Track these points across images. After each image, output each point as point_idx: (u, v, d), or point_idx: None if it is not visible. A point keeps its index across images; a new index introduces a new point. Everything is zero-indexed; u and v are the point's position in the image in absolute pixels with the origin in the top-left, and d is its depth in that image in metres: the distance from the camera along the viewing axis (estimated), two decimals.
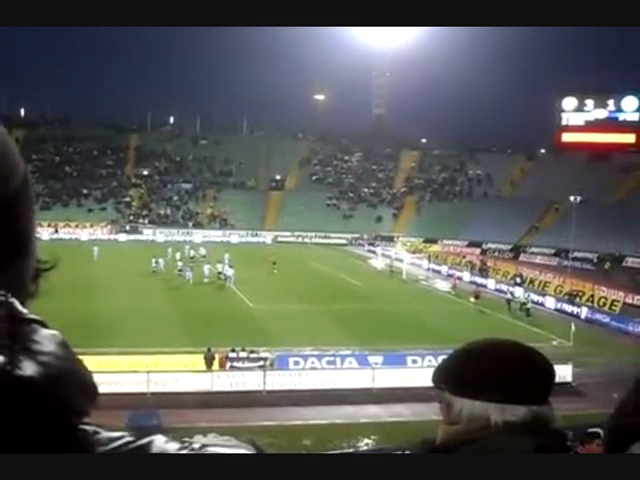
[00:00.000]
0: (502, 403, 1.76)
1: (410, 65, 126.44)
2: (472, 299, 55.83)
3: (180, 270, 63.75)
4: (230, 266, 61.35)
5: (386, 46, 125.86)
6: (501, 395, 1.77)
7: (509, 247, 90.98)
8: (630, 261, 78.72)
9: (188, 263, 65.21)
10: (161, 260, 66.36)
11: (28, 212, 1.35)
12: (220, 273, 61.60)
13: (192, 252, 72.08)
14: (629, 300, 56.30)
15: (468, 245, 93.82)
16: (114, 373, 32.93)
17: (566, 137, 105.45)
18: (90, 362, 34.17)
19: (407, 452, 1.74)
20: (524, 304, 53.61)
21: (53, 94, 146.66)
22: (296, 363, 36.61)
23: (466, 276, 69.29)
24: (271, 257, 71.15)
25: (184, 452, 1.22)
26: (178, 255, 68.29)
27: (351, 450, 26.91)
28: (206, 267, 62.42)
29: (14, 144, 1.27)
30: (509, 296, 55.82)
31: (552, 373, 1.86)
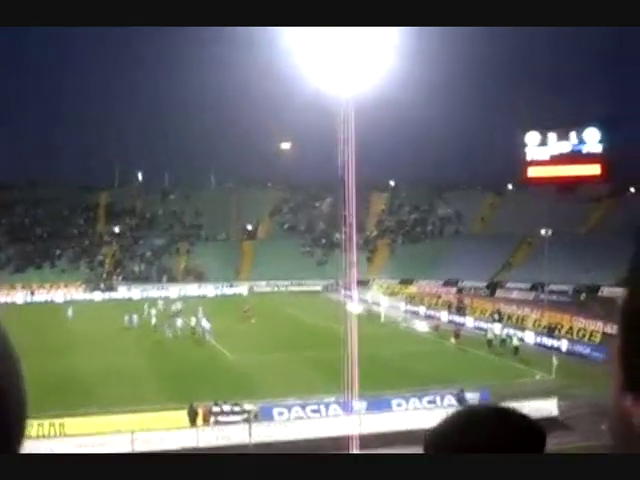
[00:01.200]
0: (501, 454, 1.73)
1: (374, 110, 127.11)
2: (452, 339, 55.79)
3: (155, 326, 63.39)
4: (207, 319, 60.98)
5: (351, 91, 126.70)
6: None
7: (485, 284, 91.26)
8: (606, 291, 79.08)
9: (169, 318, 64.49)
10: (135, 316, 65.93)
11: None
12: (194, 328, 61.39)
13: (173, 307, 71.50)
14: (608, 330, 56.40)
15: (444, 284, 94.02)
16: (97, 435, 32.56)
17: (532, 171, 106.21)
18: (72, 424, 33.91)
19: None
20: (504, 341, 53.61)
21: (19, 157, 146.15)
22: (280, 414, 36.37)
23: (444, 315, 69.35)
24: (245, 306, 71.27)
25: None
26: (154, 311, 67.76)
27: None
28: (180, 321, 62.23)
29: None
30: (490, 335, 55.64)
31: (543, 437, 1.82)
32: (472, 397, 37.88)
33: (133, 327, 64.65)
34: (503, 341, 53.84)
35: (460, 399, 36.84)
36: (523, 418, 1.79)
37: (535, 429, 1.78)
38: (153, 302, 74.94)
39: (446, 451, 1.75)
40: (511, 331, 55.69)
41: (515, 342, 52.24)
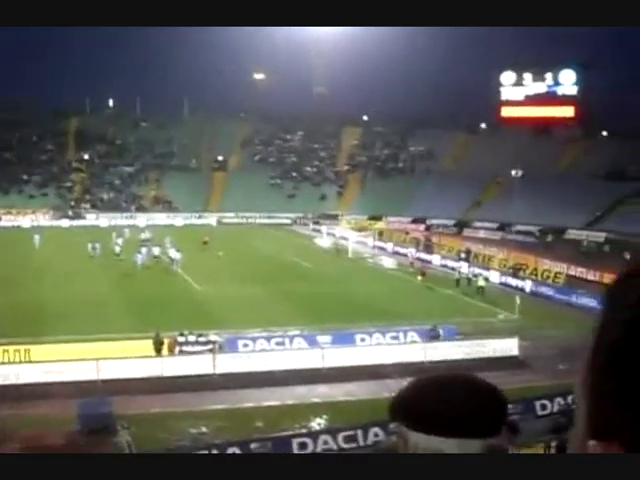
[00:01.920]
0: (457, 437, 1.79)
1: (350, 43, 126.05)
2: (419, 277, 56.08)
3: (118, 254, 63.21)
4: (177, 250, 60.85)
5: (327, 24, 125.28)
6: (456, 430, 1.78)
7: (453, 222, 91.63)
8: (572, 233, 79.75)
9: (138, 247, 64.10)
10: (97, 245, 65.71)
11: None
12: (156, 257, 61.48)
13: (142, 235, 71.22)
14: (572, 272, 57.06)
15: (412, 221, 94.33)
16: (62, 362, 32.66)
17: (506, 111, 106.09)
18: (38, 351, 33.98)
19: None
20: (469, 280, 54.02)
21: None
22: (245, 345, 36.58)
23: (411, 253, 69.68)
24: (205, 237, 71.69)
25: None
26: (120, 240, 67.52)
27: (304, 430, 27.04)
28: (148, 250, 62.22)
29: None
30: (457, 274, 55.91)
31: (505, 404, 1.88)
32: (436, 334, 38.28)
33: (96, 256, 64.46)
34: (469, 280, 54.22)
35: (434, 336, 37.20)
36: (487, 385, 1.86)
37: (499, 396, 1.86)
38: (120, 231, 74.74)
39: (412, 417, 1.82)
40: (477, 271, 56.03)
41: (480, 282, 52.56)
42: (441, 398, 1.79)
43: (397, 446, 1.83)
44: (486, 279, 54.31)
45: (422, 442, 1.79)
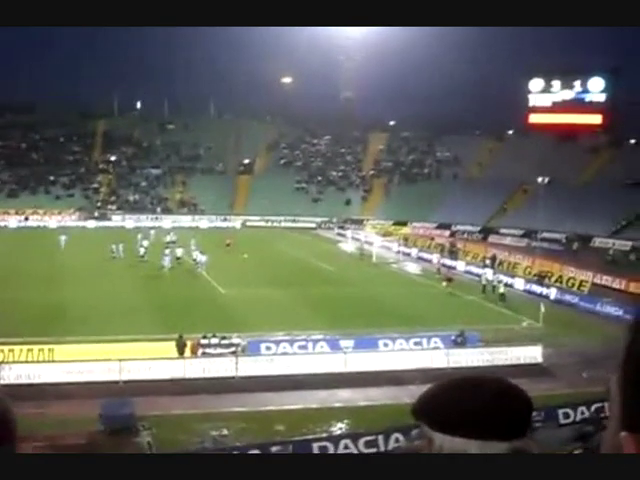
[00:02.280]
0: (482, 439, 1.77)
1: (378, 47, 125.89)
2: (444, 283, 55.85)
3: (142, 256, 63.48)
4: (201, 252, 60.87)
5: (354, 28, 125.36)
6: (481, 431, 1.76)
7: (478, 229, 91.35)
8: (598, 241, 79.30)
9: (163, 249, 64.17)
10: (120, 246, 65.95)
11: None
12: (180, 259, 61.70)
13: (168, 237, 71.17)
14: (597, 280, 56.69)
15: (437, 227, 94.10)
16: (86, 362, 32.79)
17: (533, 118, 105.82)
18: (61, 351, 34.13)
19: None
20: (494, 287, 53.75)
21: (18, 80, 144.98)
22: (268, 348, 36.58)
23: (436, 258, 69.48)
24: (227, 239, 72.24)
25: None
26: (145, 242, 67.80)
27: (325, 435, 26.99)
28: (173, 252, 62.48)
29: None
30: (484, 281, 55.54)
31: (531, 407, 1.86)
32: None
33: (119, 257, 64.77)
34: (493, 288, 53.93)
35: (460, 342, 37.03)
36: (512, 387, 1.84)
37: (524, 398, 1.84)
38: (146, 232, 74.95)
39: (437, 418, 1.80)
40: (500, 277, 55.65)
41: (501, 289, 52.30)
42: (466, 400, 1.78)
43: (421, 447, 1.82)
44: (507, 285, 54.05)
45: (447, 443, 1.77)
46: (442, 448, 1.78)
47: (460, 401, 1.77)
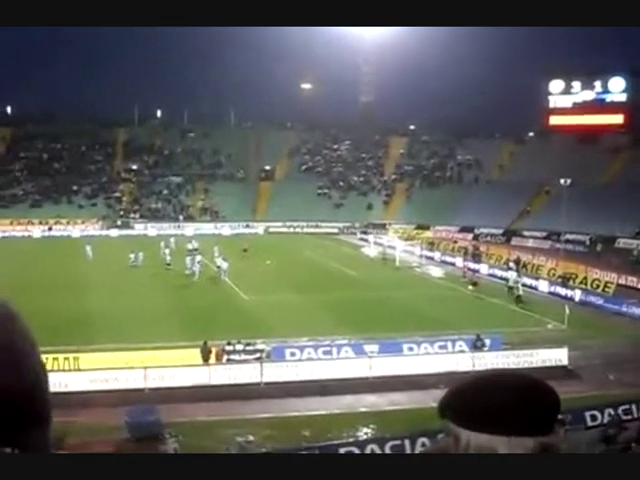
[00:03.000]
0: (509, 435, 1.75)
1: (397, 51, 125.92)
2: (470, 287, 55.66)
3: (169, 264, 63.81)
4: (224, 259, 60.95)
5: (372, 32, 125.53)
6: (508, 427, 1.74)
7: (501, 231, 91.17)
8: (622, 242, 78.93)
9: (185, 256, 64.28)
10: (140, 254, 66.21)
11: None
12: (202, 266, 61.88)
13: (190, 245, 71.02)
14: (622, 281, 56.36)
15: (460, 230, 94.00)
16: (110, 370, 32.90)
17: (554, 120, 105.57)
18: (86, 359, 34.26)
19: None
20: (510, 289, 53.58)
21: (39, 91, 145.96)
22: (292, 354, 36.57)
23: (459, 262, 69.38)
24: (245, 245, 73.15)
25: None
26: (167, 250, 68.02)
27: (351, 440, 26.93)
28: (196, 259, 62.68)
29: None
30: (511, 283, 55.23)
31: (558, 403, 1.85)
32: (484, 343, 38.01)
33: (138, 265, 65.08)
34: (510, 289, 53.76)
35: (479, 345, 36.93)
36: (539, 383, 1.83)
37: (551, 394, 1.82)
38: (167, 240, 75.12)
39: (464, 415, 1.79)
40: (517, 279, 55.30)
41: (520, 291, 52.16)
42: (492, 395, 1.76)
43: (447, 445, 1.80)
44: (531, 287, 53.97)
45: (473, 440, 1.76)
46: (468, 445, 1.77)
47: (486, 397, 1.76)
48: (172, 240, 75.64)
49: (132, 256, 65.71)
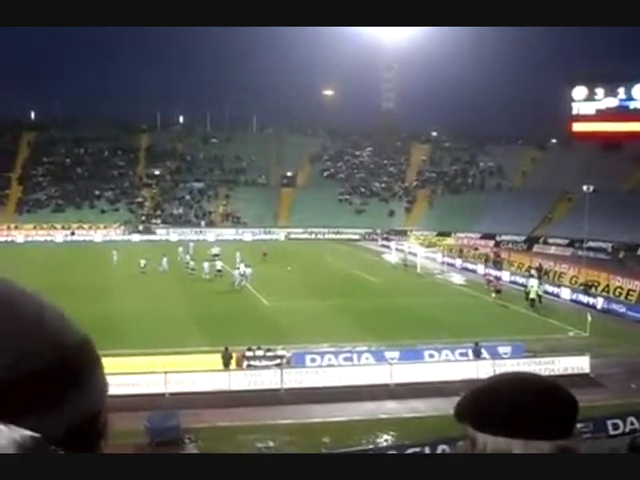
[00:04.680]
0: (526, 439, 1.75)
1: (418, 57, 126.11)
2: (493, 295, 55.52)
3: (192, 269, 63.95)
4: (247, 265, 60.80)
5: (393, 39, 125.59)
6: (525, 431, 1.74)
7: (523, 238, 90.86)
8: None
9: (208, 261, 64.47)
10: (165, 259, 66.38)
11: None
12: (221, 272, 62.08)
13: (212, 250, 70.78)
14: None
15: (481, 237, 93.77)
16: (131, 374, 32.99)
17: (577, 127, 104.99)
18: (107, 364, 34.11)
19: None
20: (527, 293, 53.59)
21: (62, 96, 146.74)
22: (313, 360, 36.58)
23: (480, 269, 69.20)
24: (264, 249, 74.04)
25: None
26: (188, 256, 68.20)
27: (371, 446, 26.88)
28: (218, 265, 63.01)
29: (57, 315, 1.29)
30: (530, 290, 55.07)
31: (576, 406, 1.84)
32: (504, 351, 37.93)
33: (165, 271, 65.19)
34: (528, 294, 53.73)
35: (477, 354, 36.94)
36: (556, 386, 1.83)
37: (568, 397, 1.82)
38: (186, 245, 75.20)
39: (481, 418, 1.79)
40: (531, 282, 55.32)
41: (532, 294, 52.41)
42: (509, 398, 1.77)
43: (465, 449, 1.80)
44: (553, 295, 53.98)
45: (490, 443, 1.76)
46: (485, 448, 1.77)
47: (503, 399, 1.76)
48: (191, 245, 75.62)
49: (142, 262, 65.24)
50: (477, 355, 36.89)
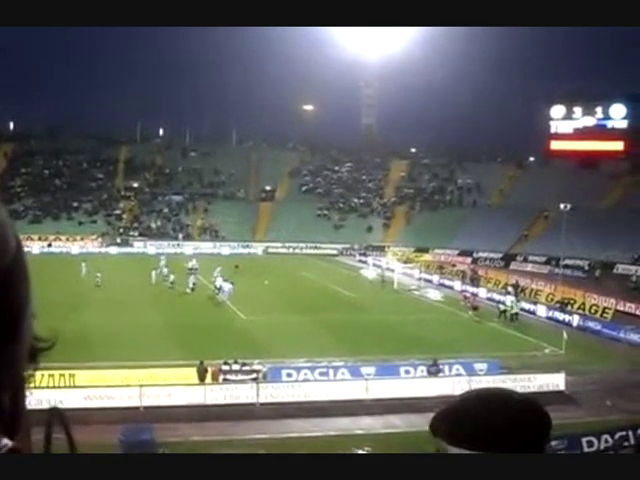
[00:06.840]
0: (498, 453, 1.75)
1: (398, 74, 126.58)
2: (470, 312, 55.61)
3: (172, 283, 63.59)
4: (225, 280, 60.22)
5: (374, 55, 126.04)
6: (498, 446, 1.75)
7: (500, 256, 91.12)
8: (621, 268, 78.86)
9: (185, 275, 64.33)
10: (153, 272, 66.19)
11: (18, 291, 1.26)
12: (196, 285, 62.15)
13: (189, 264, 70.02)
14: (621, 307, 56.33)
15: (459, 254, 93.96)
16: (106, 387, 32.84)
17: (555, 145, 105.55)
18: (82, 377, 34.18)
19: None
20: (504, 311, 53.92)
21: (41, 107, 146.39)
22: (289, 375, 36.53)
23: (457, 285, 69.35)
24: (236, 263, 73.75)
25: None
26: (166, 269, 67.80)
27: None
28: (195, 279, 62.88)
29: (6, 219, 1.23)
30: (502, 307, 55.46)
31: (549, 422, 1.85)
32: (480, 368, 37.99)
33: (151, 283, 65.03)
34: (503, 311, 54.18)
35: (434, 372, 36.91)
36: (529, 401, 1.84)
37: (540, 412, 1.82)
38: (165, 259, 74.42)
39: (454, 432, 1.79)
40: (504, 298, 56.01)
41: (501, 307, 54.33)
42: (483, 414, 1.77)
43: None
44: (529, 312, 54.61)
45: None
46: None
47: (477, 416, 1.78)
48: (162, 258, 74.19)
49: (98, 275, 64.56)
50: (434, 373, 36.82)
